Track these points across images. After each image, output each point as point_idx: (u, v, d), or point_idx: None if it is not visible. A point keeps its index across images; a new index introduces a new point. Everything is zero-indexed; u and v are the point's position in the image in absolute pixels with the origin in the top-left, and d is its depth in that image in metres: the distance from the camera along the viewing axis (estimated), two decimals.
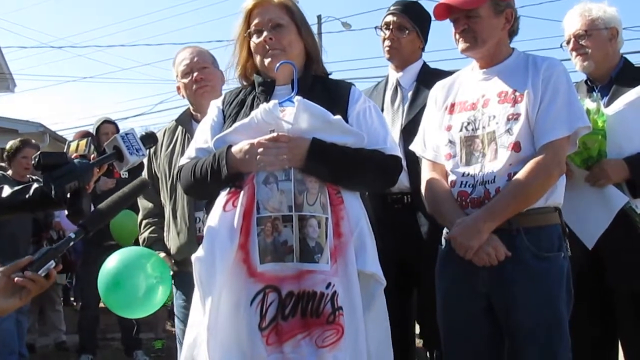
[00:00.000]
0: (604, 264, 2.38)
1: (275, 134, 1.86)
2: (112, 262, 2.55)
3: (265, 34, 2.01)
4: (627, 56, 2.59)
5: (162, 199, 2.72)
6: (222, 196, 1.89)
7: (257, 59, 2.06)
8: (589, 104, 2.34)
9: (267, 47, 2.01)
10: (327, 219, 1.83)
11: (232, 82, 2.21)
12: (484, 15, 2.06)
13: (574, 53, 2.56)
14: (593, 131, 2.22)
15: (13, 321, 4.78)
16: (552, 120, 1.99)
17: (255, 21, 2.03)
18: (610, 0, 2.53)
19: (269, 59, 2.01)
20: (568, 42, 2.57)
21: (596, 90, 2.49)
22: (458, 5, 2.06)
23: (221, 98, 2.17)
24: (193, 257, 1.84)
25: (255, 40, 2.04)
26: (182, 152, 2.45)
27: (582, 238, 2.34)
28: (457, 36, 2.11)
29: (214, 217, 1.87)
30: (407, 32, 2.71)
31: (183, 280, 2.53)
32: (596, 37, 2.50)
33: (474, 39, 2.08)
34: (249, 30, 2.05)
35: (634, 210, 2.30)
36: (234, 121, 2.00)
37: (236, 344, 1.77)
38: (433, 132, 2.22)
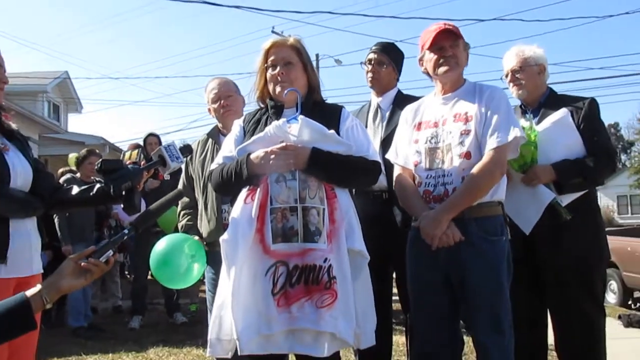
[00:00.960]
0: (535, 247, 2.37)
1: (284, 144, 1.85)
2: (161, 246, 2.55)
3: (278, 68, 2.01)
4: (552, 86, 2.60)
5: (196, 194, 2.71)
6: (243, 192, 1.88)
7: (271, 86, 2.05)
8: (523, 122, 2.34)
9: (279, 79, 2.00)
10: (324, 209, 1.82)
11: (252, 104, 2.21)
12: (461, 47, 2.09)
13: (511, 84, 2.55)
14: (527, 143, 2.23)
15: (81, 290, 4.76)
16: (494, 132, 1.98)
17: (272, 58, 2.03)
18: (539, 43, 2.55)
19: (279, 88, 2.01)
20: (507, 76, 2.57)
21: (529, 112, 2.49)
22: (456, 32, 2.06)
23: (242, 118, 2.17)
24: (221, 239, 1.83)
25: (270, 72, 2.03)
26: (212, 159, 2.44)
27: (520, 226, 2.33)
28: (441, 61, 2.08)
29: (236, 208, 1.86)
30: (385, 66, 2.70)
31: (212, 257, 2.52)
32: (528, 71, 2.49)
33: (456, 63, 2.08)
34: (266, 65, 2.05)
35: (559, 204, 2.30)
36: (252, 135, 1.99)
37: (254, 305, 1.76)
38: (404, 145, 2.21)
